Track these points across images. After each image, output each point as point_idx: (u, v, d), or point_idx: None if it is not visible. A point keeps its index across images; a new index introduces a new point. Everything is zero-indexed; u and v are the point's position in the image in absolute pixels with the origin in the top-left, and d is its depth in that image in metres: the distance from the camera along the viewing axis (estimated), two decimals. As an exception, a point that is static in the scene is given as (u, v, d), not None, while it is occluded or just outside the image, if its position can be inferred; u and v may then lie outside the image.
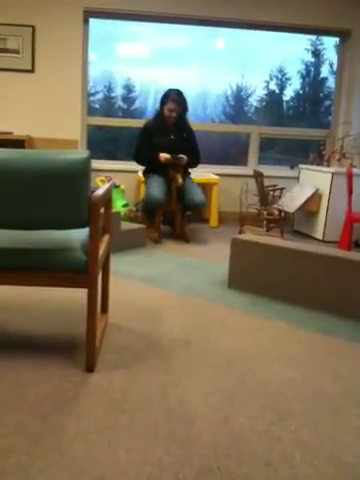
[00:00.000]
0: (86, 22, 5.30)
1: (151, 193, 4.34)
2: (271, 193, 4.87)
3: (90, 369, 2.00)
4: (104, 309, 2.52)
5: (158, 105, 4.63)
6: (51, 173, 1.83)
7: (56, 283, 1.98)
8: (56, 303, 2.74)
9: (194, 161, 4.63)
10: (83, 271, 1.94)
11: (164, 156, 4.38)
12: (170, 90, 4.58)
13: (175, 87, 4.60)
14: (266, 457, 1.52)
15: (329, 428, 1.70)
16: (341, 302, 2.81)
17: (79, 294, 2.75)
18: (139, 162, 4.69)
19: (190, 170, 4.71)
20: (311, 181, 5.04)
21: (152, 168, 4.57)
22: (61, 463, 1.45)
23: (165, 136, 4.55)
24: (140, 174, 4.95)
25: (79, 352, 2.16)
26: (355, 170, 4.64)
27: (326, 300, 2.86)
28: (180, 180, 4.36)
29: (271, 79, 6.12)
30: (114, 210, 3.87)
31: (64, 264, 1.94)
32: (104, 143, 6.12)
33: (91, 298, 1.96)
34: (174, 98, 4.50)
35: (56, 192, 1.85)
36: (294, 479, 1.43)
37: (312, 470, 1.48)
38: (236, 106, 6.33)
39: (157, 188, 4.36)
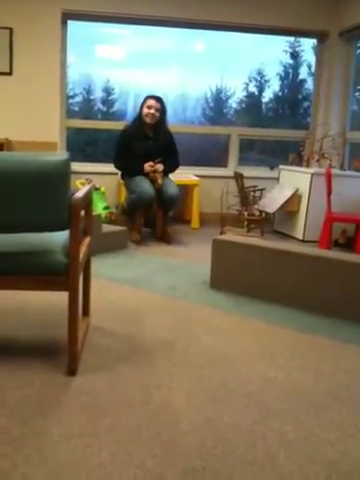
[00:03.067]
0: (64, 24, 5.27)
1: (142, 188, 4.33)
2: (251, 194, 4.90)
3: (72, 372, 1.98)
4: (86, 312, 2.50)
5: (137, 109, 4.66)
6: (31, 175, 1.82)
7: (37, 286, 1.96)
8: (37, 306, 2.71)
9: (173, 165, 4.67)
10: (64, 274, 1.92)
11: (146, 170, 4.44)
12: (148, 95, 4.65)
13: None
14: (250, 456, 1.53)
15: (312, 426, 1.71)
16: (322, 301, 2.84)
17: (60, 297, 2.72)
18: (119, 169, 4.71)
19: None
20: (291, 182, 5.08)
21: (133, 173, 4.57)
22: (44, 468, 1.43)
23: (143, 142, 4.54)
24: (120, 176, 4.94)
25: (61, 355, 2.14)
26: (334, 170, 4.69)
27: (307, 299, 2.88)
28: (160, 181, 4.41)
29: (250, 81, 6.15)
30: (95, 212, 3.85)
31: (45, 267, 1.93)
32: (84, 145, 6.09)
33: (72, 301, 1.94)
34: (153, 96, 4.57)
35: (36, 194, 1.83)
36: (278, 478, 1.44)
37: (296, 468, 1.48)
38: (216, 108, 6.36)
39: (146, 184, 4.37)
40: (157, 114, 4.52)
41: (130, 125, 4.67)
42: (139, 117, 4.59)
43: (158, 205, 4.54)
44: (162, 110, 4.56)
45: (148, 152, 4.49)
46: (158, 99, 4.55)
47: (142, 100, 4.62)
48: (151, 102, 4.52)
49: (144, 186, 4.34)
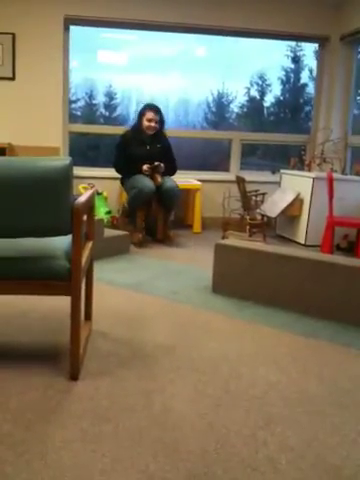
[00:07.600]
0: (67, 29, 5.29)
1: (143, 182, 4.41)
2: (253, 198, 4.90)
3: (74, 377, 1.98)
4: (88, 316, 2.50)
5: (136, 116, 4.77)
6: (33, 180, 1.82)
7: (39, 291, 1.96)
8: (40, 311, 2.72)
9: (171, 170, 4.74)
10: (66, 279, 1.93)
11: (144, 169, 4.52)
12: (146, 104, 4.77)
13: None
14: (252, 461, 1.53)
15: (314, 431, 1.71)
16: (324, 305, 2.84)
17: (62, 302, 2.73)
18: (118, 171, 4.80)
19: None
20: (292, 186, 5.08)
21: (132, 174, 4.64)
22: (46, 473, 1.43)
23: (141, 147, 4.65)
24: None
25: (63, 360, 2.14)
26: (335, 175, 4.69)
27: (309, 303, 2.88)
28: (160, 179, 4.50)
29: (252, 85, 6.17)
30: (97, 217, 3.85)
31: (47, 272, 1.93)
32: (86, 150, 6.10)
33: (74, 306, 1.94)
34: (152, 107, 4.68)
35: (38, 199, 1.84)
36: (280, 483, 1.43)
37: (298, 473, 1.48)
38: (217, 112, 6.37)
39: (146, 179, 4.47)
40: (158, 126, 4.67)
41: (129, 130, 4.79)
42: (138, 125, 4.71)
43: (159, 203, 4.57)
44: (161, 120, 4.69)
45: (145, 155, 4.59)
46: (157, 111, 4.67)
47: (140, 109, 4.73)
48: (151, 115, 4.63)
49: (144, 181, 4.44)
